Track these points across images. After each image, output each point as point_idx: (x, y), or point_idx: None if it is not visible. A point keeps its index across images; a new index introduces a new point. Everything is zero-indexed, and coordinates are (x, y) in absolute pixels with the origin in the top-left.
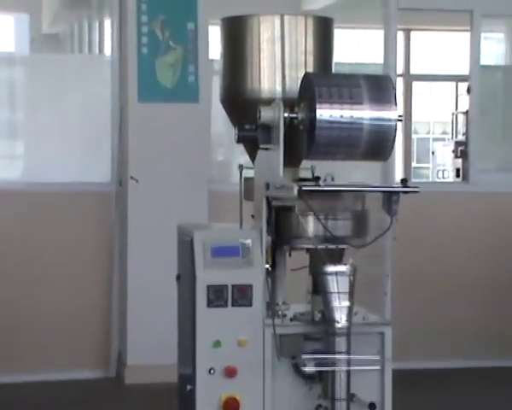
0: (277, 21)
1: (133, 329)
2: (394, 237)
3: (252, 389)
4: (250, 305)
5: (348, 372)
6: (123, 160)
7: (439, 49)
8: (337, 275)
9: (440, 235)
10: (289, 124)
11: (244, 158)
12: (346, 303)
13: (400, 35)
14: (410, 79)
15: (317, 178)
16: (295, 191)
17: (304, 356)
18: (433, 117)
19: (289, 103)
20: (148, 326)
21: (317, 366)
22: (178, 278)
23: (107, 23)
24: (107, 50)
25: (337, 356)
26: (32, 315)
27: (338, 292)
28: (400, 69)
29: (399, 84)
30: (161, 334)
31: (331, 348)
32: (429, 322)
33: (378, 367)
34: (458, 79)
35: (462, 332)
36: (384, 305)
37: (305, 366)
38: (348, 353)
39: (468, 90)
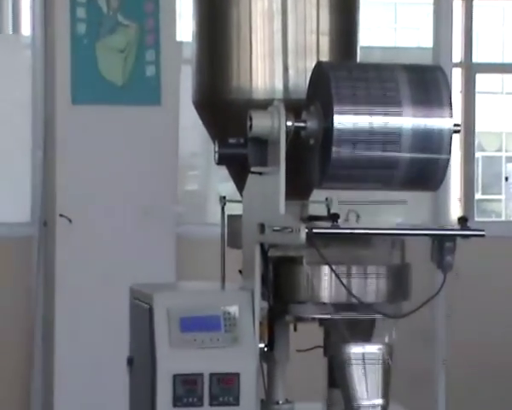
0: None
1: None
2: (448, 314)
3: None
4: (236, 403)
5: None
6: (49, 190)
7: None
8: (365, 359)
9: None
10: (294, 137)
11: (228, 187)
12: (378, 401)
13: (458, 5)
14: (472, 70)
15: (334, 217)
16: (303, 236)
17: None
18: (507, 126)
19: (294, 107)
20: None
21: None
22: (130, 362)
23: None
24: (26, 29)
25: None
26: None
27: (366, 384)
28: (458, 56)
29: (457, 77)
30: None
31: None
32: None
33: None
34: None
35: None
36: (436, 401)
37: None
38: None
39: None
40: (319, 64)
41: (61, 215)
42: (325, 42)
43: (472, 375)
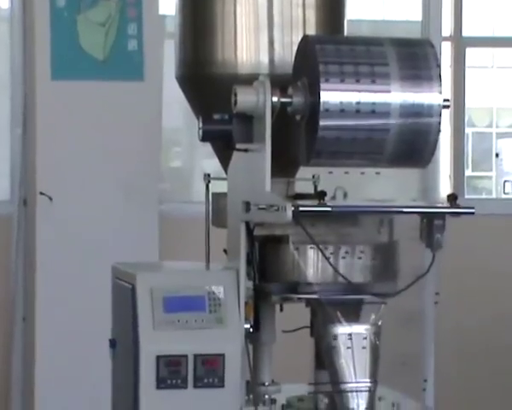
0: None
1: None
2: (437, 292)
3: None
4: (221, 385)
5: None
6: (29, 168)
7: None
8: (352, 340)
9: (508, 279)
10: (280, 113)
11: (212, 164)
12: (366, 382)
13: None
14: (462, 44)
15: (321, 195)
16: (289, 214)
17: None
18: (498, 101)
19: (280, 82)
20: None
21: None
22: (113, 344)
23: None
24: (3, 1)
25: None
26: None
27: (354, 365)
28: (448, 30)
29: (446, 51)
30: None
31: None
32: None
33: None
34: None
35: None
36: (424, 386)
37: None
38: None
39: None
40: (305, 38)
41: (41, 193)
42: (312, 15)
43: (460, 355)
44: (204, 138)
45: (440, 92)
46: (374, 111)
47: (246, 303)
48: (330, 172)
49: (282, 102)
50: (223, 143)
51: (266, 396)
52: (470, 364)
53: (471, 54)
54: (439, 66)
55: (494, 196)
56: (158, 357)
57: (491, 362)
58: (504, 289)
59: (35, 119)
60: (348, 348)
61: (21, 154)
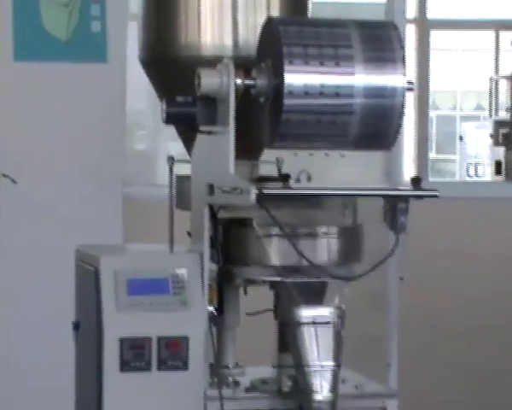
0: None
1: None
2: (401, 277)
3: None
4: (185, 368)
5: None
6: None
7: None
8: (316, 322)
9: (472, 262)
10: (244, 95)
11: (176, 147)
12: (330, 364)
13: None
14: (426, 26)
15: (285, 177)
16: (253, 196)
17: None
18: (462, 85)
19: (244, 64)
20: (29, 401)
21: None
22: (76, 327)
23: None
24: None
25: None
26: None
27: (317, 348)
28: (412, 12)
29: (410, 34)
30: None
31: None
32: (454, 391)
33: None
34: (500, 26)
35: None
36: (387, 368)
37: None
38: None
39: None
40: (269, 19)
41: (4, 176)
42: None
43: (427, 338)
44: (168, 121)
45: (404, 74)
46: (338, 93)
47: (210, 286)
48: (295, 155)
49: (246, 85)
50: (187, 126)
51: (230, 379)
52: (437, 347)
53: (435, 36)
54: (402, 48)
55: (458, 178)
56: (121, 340)
57: (457, 344)
58: (465, 271)
59: None
60: (312, 330)
61: None
